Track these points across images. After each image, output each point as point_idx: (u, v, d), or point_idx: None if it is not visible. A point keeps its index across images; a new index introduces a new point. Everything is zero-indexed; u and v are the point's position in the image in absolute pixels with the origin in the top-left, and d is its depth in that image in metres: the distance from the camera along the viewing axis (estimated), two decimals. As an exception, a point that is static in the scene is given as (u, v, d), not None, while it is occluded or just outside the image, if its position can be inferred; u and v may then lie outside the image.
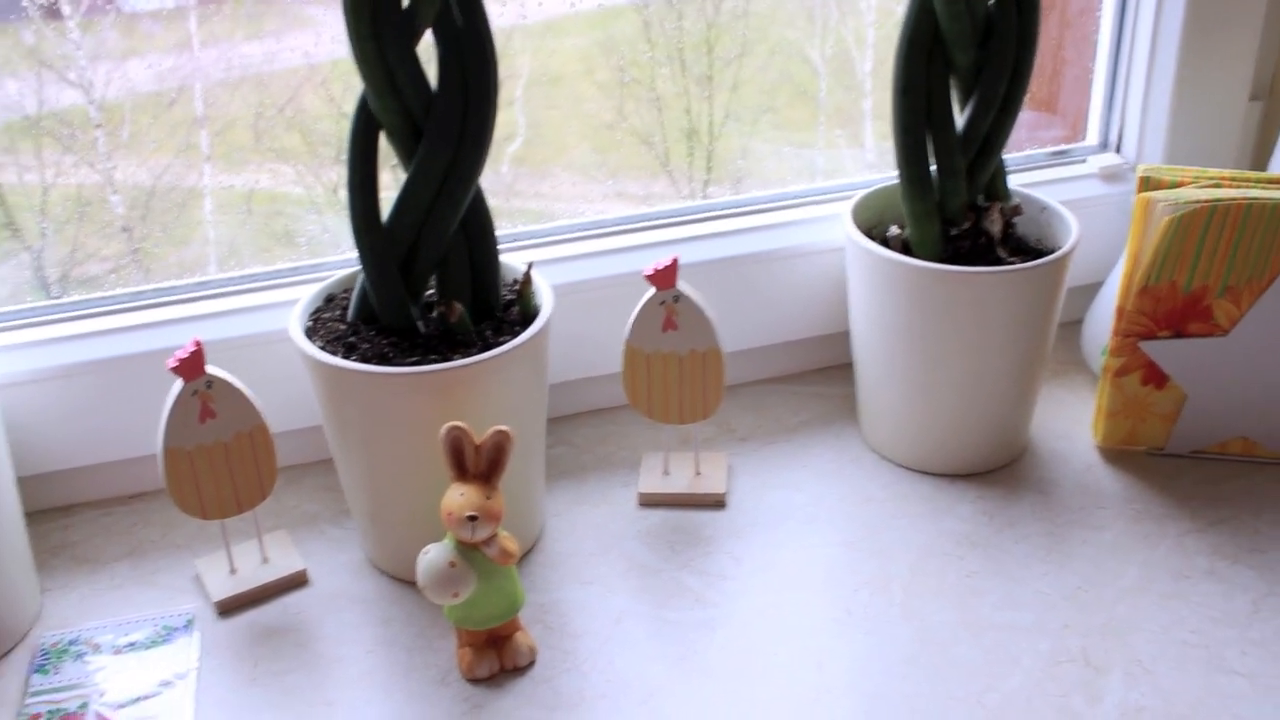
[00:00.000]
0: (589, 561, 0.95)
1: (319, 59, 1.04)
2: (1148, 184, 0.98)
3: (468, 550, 0.81)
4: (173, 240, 1.04)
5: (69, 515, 1.03)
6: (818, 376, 1.18)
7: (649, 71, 1.13)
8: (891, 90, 0.95)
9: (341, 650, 0.88)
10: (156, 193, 1.03)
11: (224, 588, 0.93)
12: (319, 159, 1.06)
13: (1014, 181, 1.05)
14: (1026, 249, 1.02)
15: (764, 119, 1.19)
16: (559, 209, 1.13)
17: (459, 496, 0.80)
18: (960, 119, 0.97)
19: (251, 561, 0.95)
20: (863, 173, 1.18)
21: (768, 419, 1.12)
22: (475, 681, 0.85)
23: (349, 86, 1.01)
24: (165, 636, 0.90)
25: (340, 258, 1.06)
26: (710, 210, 1.14)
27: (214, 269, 1.05)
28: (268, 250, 1.07)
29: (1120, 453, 1.05)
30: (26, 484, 0.96)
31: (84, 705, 0.84)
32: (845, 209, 1.02)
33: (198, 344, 0.85)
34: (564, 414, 1.13)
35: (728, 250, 1.09)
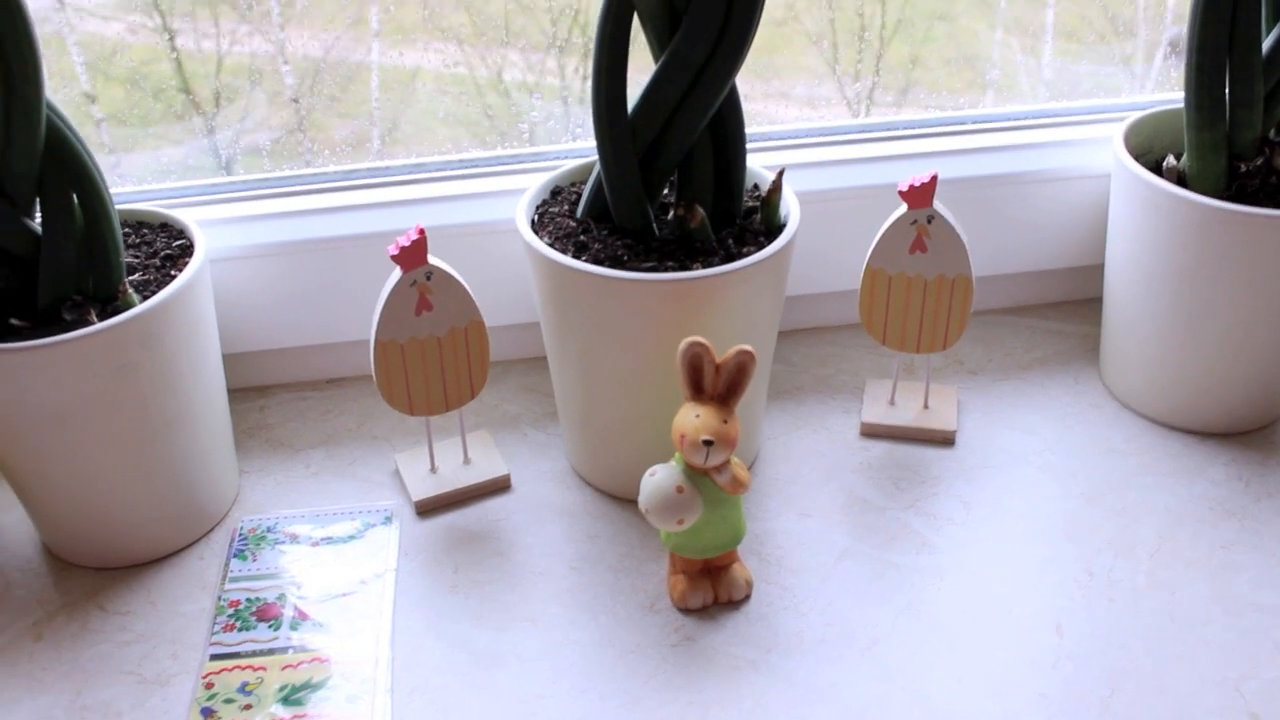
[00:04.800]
0: (807, 492, 0.89)
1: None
2: None
3: (696, 475, 0.76)
4: (340, 114, 1.01)
5: (265, 396, 1.00)
6: (1055, 311, 1.09)
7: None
8: (1191, 1, 0.85)
9: (544, 564, 0.84)
10: (325, 66, 0.99)
11: (424, 487, 0.89)
12: (486, 41, 1.00)
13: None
14: (1319, 191, 0.91)
15: (937, 26, 1.09)
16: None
17: (694, 418, 0.74)
18: (1266, 40, 0.86)
19: (453, 461, 0.91)
20: (1040, 95, 1.08)
21: (998, 352, 1.03)
22: (686, 611, 0.80)
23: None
24: (362, 532, 0.86)
25: (563, 147, 1.00)
26: (960, 123, 1.05)
27: (376, 144, 1.01)
28: (431, 131, 1.02)
29: (1394, 423, 0.95)
30: (225, 361, 0.93)
31: (282, 597, 0.81)
32: (1116, 132, 0.93)
33: (421, 232, 0.80)
34: (781, 329, 1.05)
35: (978, 169, 1.00)
